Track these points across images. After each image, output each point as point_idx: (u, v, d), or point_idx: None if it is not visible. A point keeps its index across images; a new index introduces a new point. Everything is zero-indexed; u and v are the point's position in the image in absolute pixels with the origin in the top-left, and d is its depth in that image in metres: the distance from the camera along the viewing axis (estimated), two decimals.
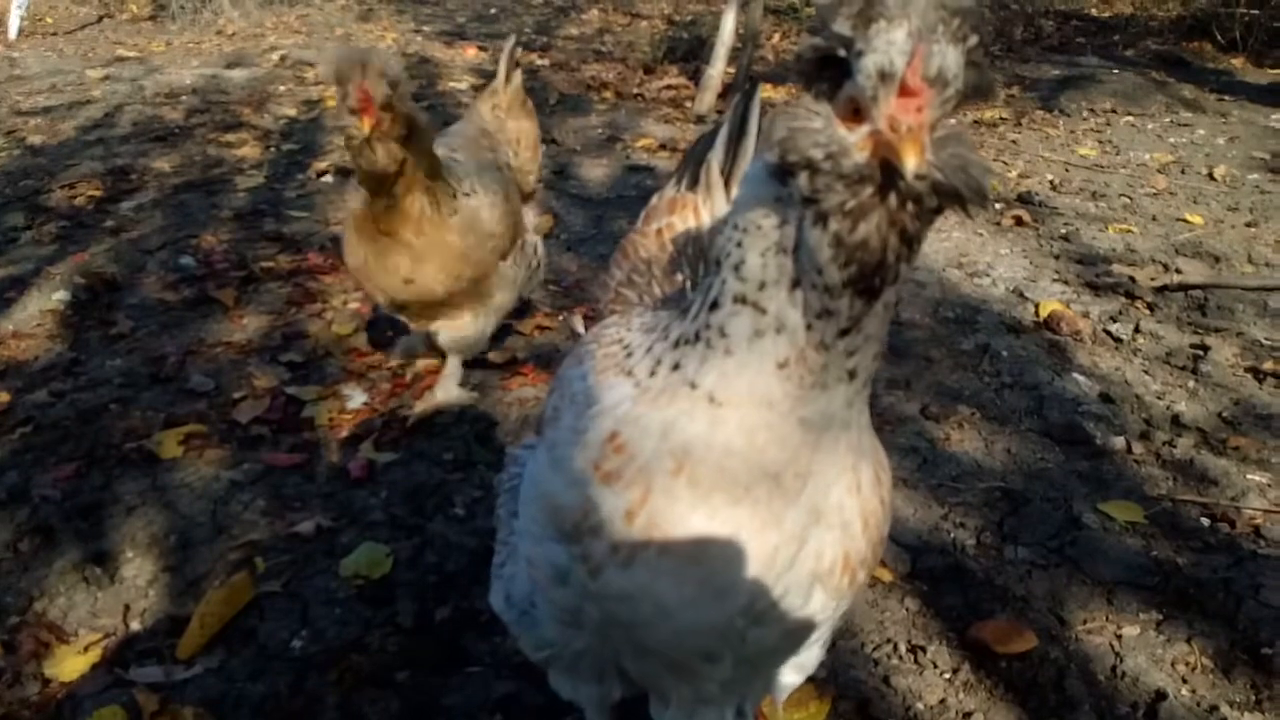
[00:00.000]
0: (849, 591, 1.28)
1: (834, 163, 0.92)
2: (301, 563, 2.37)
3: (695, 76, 7.66)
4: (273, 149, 5.82)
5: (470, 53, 8.73)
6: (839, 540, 1.24)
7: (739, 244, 1.06)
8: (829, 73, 0.94)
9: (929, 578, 2.37)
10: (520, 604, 1.57)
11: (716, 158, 1.82)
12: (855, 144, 0.92)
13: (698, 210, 1.86)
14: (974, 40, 0.90)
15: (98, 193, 5.02)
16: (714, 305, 1.10)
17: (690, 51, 8.65)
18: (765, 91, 6.20)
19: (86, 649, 2.11)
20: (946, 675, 2.10)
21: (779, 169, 0.98)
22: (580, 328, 1.94)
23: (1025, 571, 2.41)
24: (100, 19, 10.56)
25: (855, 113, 0.93)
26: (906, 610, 2.27)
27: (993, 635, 2.19)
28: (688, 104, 7.04)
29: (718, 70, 6.84)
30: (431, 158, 2.68)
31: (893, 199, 0.92)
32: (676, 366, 1.15)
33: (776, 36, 9.90)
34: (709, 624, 1.23)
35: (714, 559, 1.18)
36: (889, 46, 0.89)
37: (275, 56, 8.32)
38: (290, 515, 2.56)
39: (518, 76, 3.30)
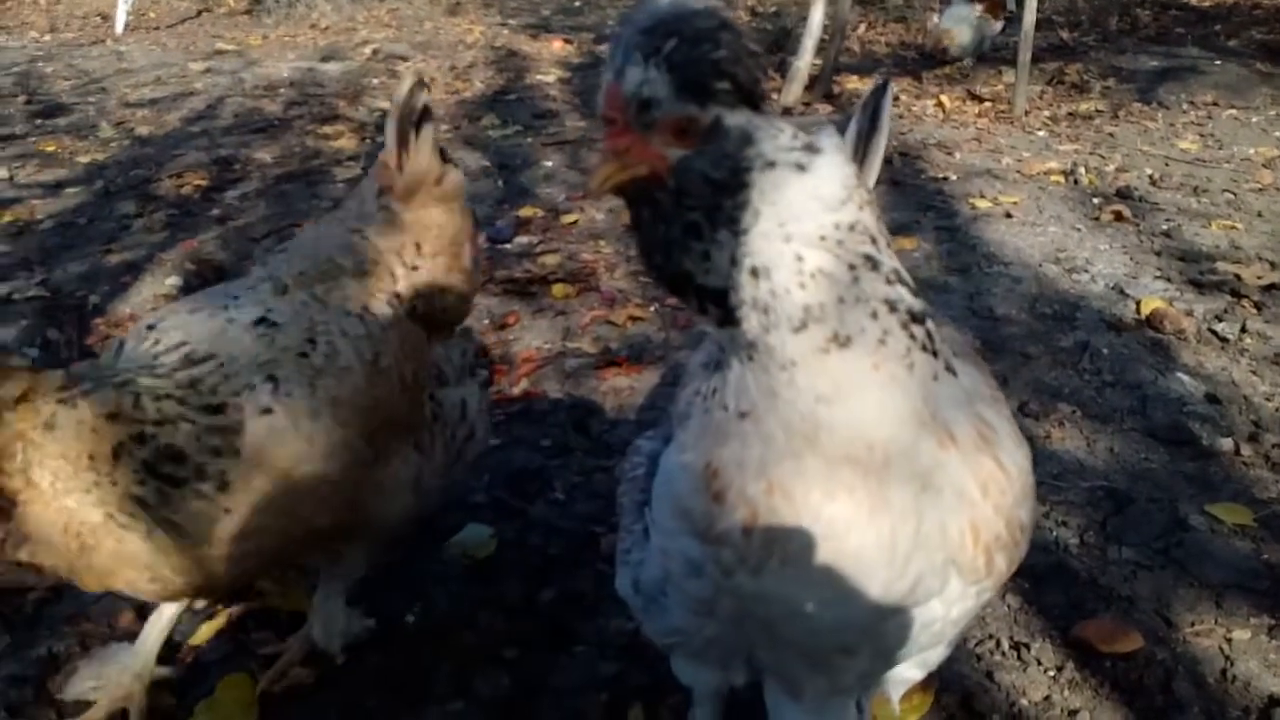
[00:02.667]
0: (987, 578, 1.27)
1: None
2: (411, 541, 2.45)
3: (781, 69, 7.63)
4: (368, 140, 5.96)
5: (556, 45, 8.82)
6: (958, 508, 1.22)
7: None
8: None
9: (1031, 575, 2.35)
10: (649, 591, 1.59)
11: (848, 149, 1.83)
12: None
13: None
14: (670, 44, 1.02)
15: (204, 182, 5.21)
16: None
17: (775, 43, 8.61)
18: (851, 83, 6.17)
19: (212, 615, 2.22)
20: (1050, 673, 2.09)
21: None
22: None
23: (1130, 572, 2.37)
24: (199, 13, 10.93)
25: None
26: (1008, 607, 2.26)
27: (1097, 634, 2.17)
28: (774, 96, 7.02)
29: (805, 63, 6.81)
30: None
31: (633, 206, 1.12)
32: (714, 392, 1.22)
33: (863, 27, 9.79)
34: (846, 620, 1.25)
35: (837, 559, 1.19)
36: (597, 94, 1.07)
37: (367, 50, 8.53)
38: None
39: (427, 140, 2.06)
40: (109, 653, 2.08)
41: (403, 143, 2.03)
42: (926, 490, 1.20)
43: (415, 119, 2.05)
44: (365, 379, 1.78)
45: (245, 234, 4.50)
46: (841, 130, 1.85)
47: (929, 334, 1.19)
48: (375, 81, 7.46)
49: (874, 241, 1.14)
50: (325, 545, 1.88)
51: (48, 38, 9.59)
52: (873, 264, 1.13)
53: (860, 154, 1.82)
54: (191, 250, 4.31)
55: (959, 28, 7.65)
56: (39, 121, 6.54)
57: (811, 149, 1.10)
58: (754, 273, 1.08)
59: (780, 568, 1.21)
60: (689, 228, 1.08)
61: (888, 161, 5.52)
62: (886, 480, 1.17)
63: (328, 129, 6.17)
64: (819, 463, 1.16)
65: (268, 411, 1.64)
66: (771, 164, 1.07)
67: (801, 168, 1.08)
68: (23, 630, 2.18)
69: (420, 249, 2.04)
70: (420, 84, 2.08)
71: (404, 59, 8.21)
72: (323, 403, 1.70)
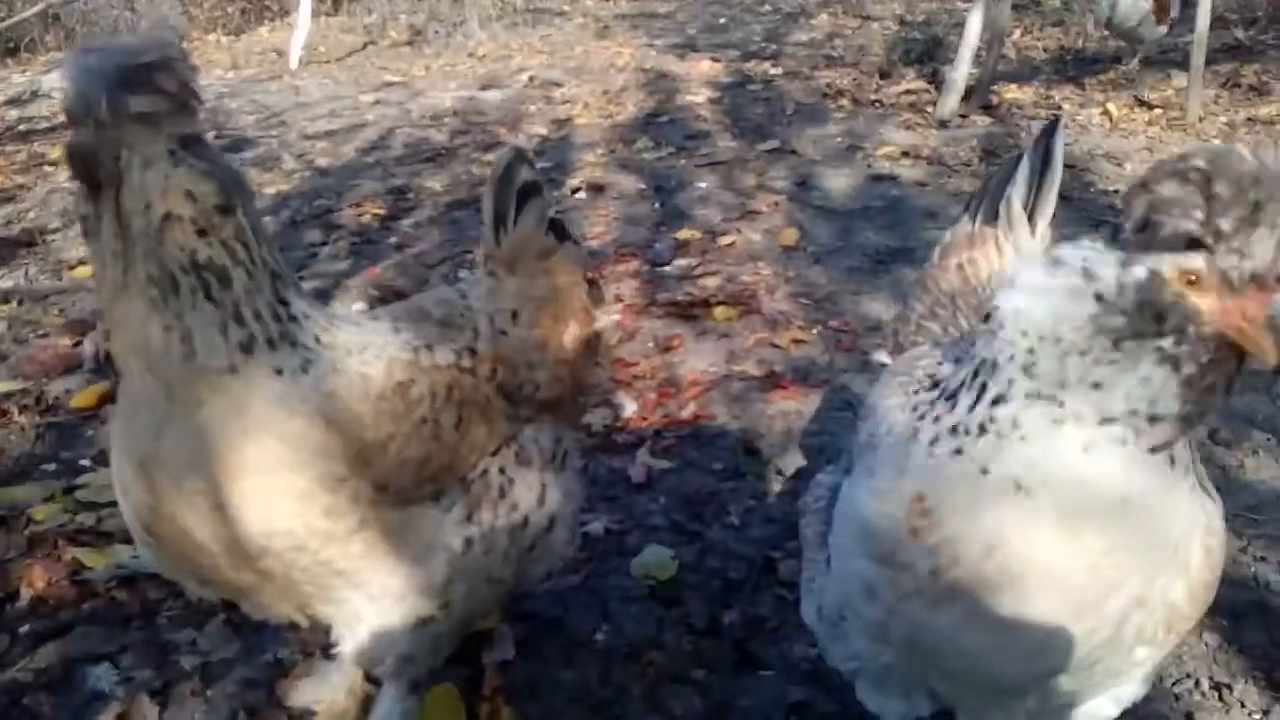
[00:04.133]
0: (1169, 643, 1.34)
1: (1191, 324, 1.10)
2: (596, 560, 2.57)
3: (934, 79, 7.52)
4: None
5: (704, 66, 8.92)
6: (1164, 615, 1.30)
7: (1030, 350, 1.18)
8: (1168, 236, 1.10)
9: (1229, 613, 2.28)
10: (830, 616, 1.66)
11: (1018, 193, 1.86)
12: (1205, 313, 1.09)
13: (1000, 245, 1.90)
14: None
15: (381, 211, 5.52)
16: (998, 400, 1.22)
17: (926, 53, 8.49)
18: (1009, 92, 6.02)
19: None
20: (1256, 716, 2.02)
21: (1140, 305, 1.11)
22: (885, 358, 2.03)
23: None
24: (365, 46, 11.52)
25: (1190, 278, 1.09)
26: (1206, 645, 2.20)
27: None
28: (928, 109, 6.92)
29: (961, 73, 6.69)
30: (195, 234, 1.52)
31: (1236, 363, 1.13)
32: (959, 451, 1.25)
33: (1018, 33, 9.53)
34: (1009, 675, 1.32)
35: (1023, 634, 1.25)
36: (1265, 252, 1.06)
37: (524, 77, 8.84)
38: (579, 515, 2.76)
39: (530, 215, 2.04)
40: (325, 669, 2.22)
41: (499, 220, 2.01)
42: (1141, 608, 1.27)
43: (514, 194, 2.02)
44: (379, 394, 1.68)
45: (422, 260, 4.75)
46: (1011, 170, 1.89)
47: None
48: (533, 108, 7.73)
49: None
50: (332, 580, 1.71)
51: (231, 74, 10.30)
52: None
53: (1035, 190, 1.84)
54: (374, 277, 4.58)
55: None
56: (227, 155, 7.02)
57: None
58: None
59: (961, 616, 1.28)
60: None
61: None
62: (1114, 592, 1.24)
63: (491, 157, 6.41)
64: (1057, 555, 1.21)
65: (278, 372, 1.59)
66: None
67: None
68: (251, 637, 2.38)
69: (516, 318, 2.00)
70: (520, 158, 2.04)
71: (558, 85, 8.47)
72: (317, 391, 1.61)
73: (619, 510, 2.78)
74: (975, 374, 1.25)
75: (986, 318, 1.26)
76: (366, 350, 1.71)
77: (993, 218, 1.92)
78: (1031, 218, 1.86)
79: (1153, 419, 1.14)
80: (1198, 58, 6.17)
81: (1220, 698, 2.07)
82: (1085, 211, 4.88)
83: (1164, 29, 7.46)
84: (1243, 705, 2.04)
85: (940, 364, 1.50)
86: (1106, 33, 7.75)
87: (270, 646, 2.35)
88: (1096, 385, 1.14)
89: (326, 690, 2.17)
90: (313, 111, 8.15)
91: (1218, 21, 8.00)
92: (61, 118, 1.51)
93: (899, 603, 1.34)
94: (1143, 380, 1.12)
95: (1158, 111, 6.60)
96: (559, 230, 2.14)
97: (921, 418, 1.34)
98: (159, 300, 1.53)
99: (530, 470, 1.95)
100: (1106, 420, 1.15)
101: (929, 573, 1.28)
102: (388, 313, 1.93)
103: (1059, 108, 6.85)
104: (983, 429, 1.23)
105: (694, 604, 2.39)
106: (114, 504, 2.75)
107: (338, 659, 2.13)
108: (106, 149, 1.46)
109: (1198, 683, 2.10)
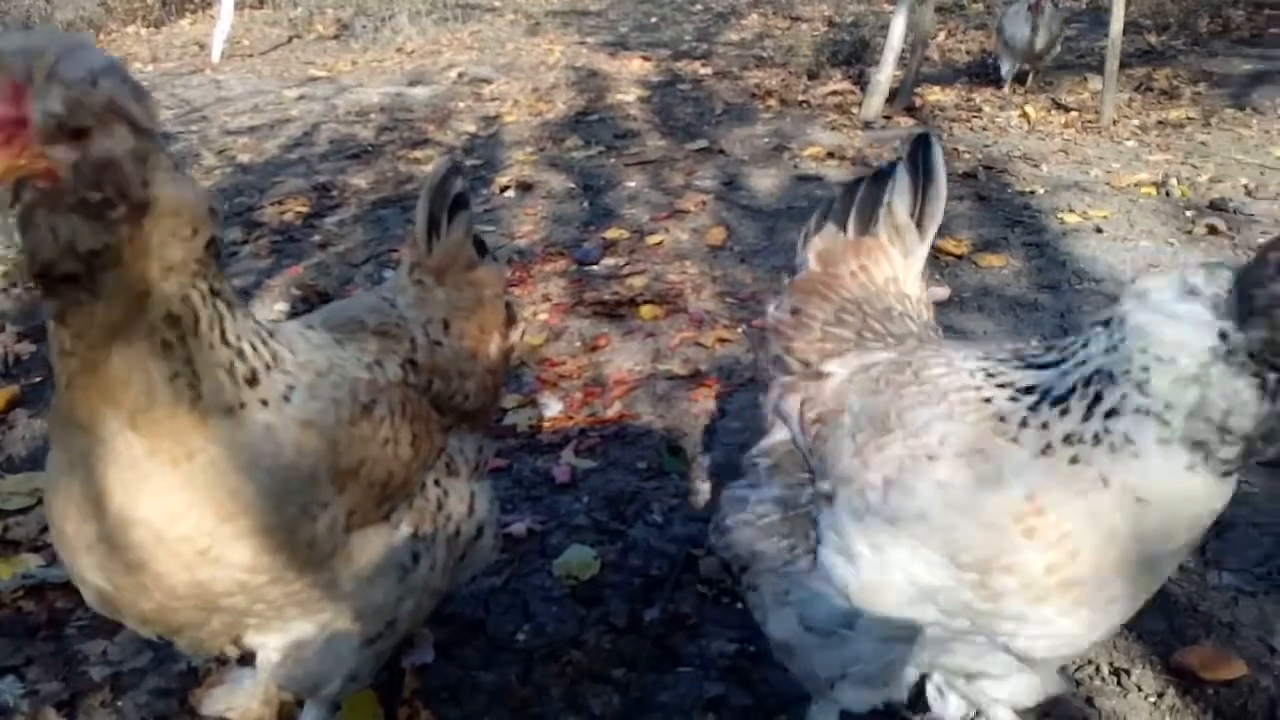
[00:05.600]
0: None
1: None
2: (518, 561, 2.57)
3: (860, 81, 7.65)
4: None
5: (635, 65, 8.95)
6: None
7: (1144, 368, 1.27)
8: None
9: None
10: (825, 626, 1.67)
11: (902, 202, 1.90)
12: None
13: (887, 252, 1.94)
14: None
15: (304, 209, 5.44)
16: (1111, 413, 1.30)
17: (853, 54, 8.63)
18: (932, 94, 6.19)
19: None
20: (1152, 699, 2.10)
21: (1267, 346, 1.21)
22: (835, 367, 1.96)
23: (1231, 598, 2.37)
24: (290, 39, 11.33)
25: None
26: None
27: (1199, 661, 2.17)
28: (854, 109, 7.04)
29: (886, 75, 6.81)
30: (191, 274, 1.35)
31: None
32: (1075, 460, 1.34)
33: (942, 35, 9.73)
34: (1086, 643, 1.53)
35: (1113, 613, 1.46)
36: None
37: (453, 74, 8.77)
38: (502, 516, 2.75)
39: (459, 227, 2.06)
40: (238, 676, 2.17)
41: (432, 227, 2.02)
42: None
43: (448, 204, 2.03)
44: (351, 419, 1.61)
45: (346, 259, 4.69)
46: (887, 176, 1.94)
47: None
48: (462, 105, 7.68)
49: None
50: (295, 582, 1.59)
51: (150, 68, 10.05)
52: None
53: (920, 200, 1.90)
54: (296, 276, 4.51)
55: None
56: None
57: None
58: None
59: (1070, 606, 1.43)
60: None
61: (973, 176, 5.51)
62: (1162, 577, 1.52)
63: (418, 154, 6.38)
64: (1159, 549, 1.40)
65: (264, 403, 1.47)
66: None
67: None
68: (163, 646, 2.33)
69: (448, 328, 2.00)
70: (455, 170, 2.06)
71: (488, 81, 8.42)
72: (298, 420, 1.52)
73: (542, 510, 2.79)
74: (1088, 382, 1.33)
75: (1106, 322, 1.33)
76: (332, 372, 1.62)
77: (870, 226, 1.95)
78: (920, 225, 1.91)
79: (1268, 437, 1.24)
80: (1111, 62, 6.36)
81: (1119, 682, 2.15)
82: (1002, 211, 5.01)
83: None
84: (1139, 689, 2.12)
85: (972, 377, 1.52)
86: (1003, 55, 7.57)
87: (184, 656, 2.31)
88: (1198, 412, 1.25)
89: (240, 698, 2.14)
90: (235, 106, 8.00)
91: (1131, 27, 8.27)
92: None
93: (986, 600, 1.43)
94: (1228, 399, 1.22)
95: (1073, 114, 6.80)
96: (480, 245, 2.16)
97: (1023, 424, 1.40)
98: (174, 342, 1.36)
99: (459, 480, 1.94)
100: (1228, 441, 1.25)
101: (1043, 570, 1.37)
102: (321, 321, 1.81)
103: (979, 110, 7.02)
104: (1097, 439, 1.32)
105: (615, 602, 2.41)
106: (21, 511, 2.73)
107: (246, 670, 2.11)
108: (130, 160, 1.25)
109: (1098, 668, 2.18)
